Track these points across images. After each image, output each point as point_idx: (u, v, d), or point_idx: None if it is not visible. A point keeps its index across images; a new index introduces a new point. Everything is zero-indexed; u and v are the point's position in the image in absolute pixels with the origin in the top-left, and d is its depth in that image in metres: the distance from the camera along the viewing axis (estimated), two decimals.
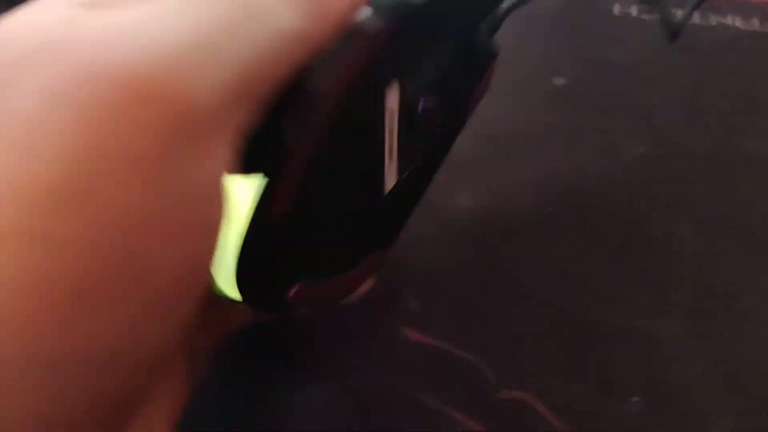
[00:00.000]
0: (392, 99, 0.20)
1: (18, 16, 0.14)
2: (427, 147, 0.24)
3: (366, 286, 0.25)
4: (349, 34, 0.17)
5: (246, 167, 0.16)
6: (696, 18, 0.44)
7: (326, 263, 0.22)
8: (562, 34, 0.44)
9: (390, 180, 0.22)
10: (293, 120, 0.17)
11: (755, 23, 0.44)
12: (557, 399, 0.27)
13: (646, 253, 0.30)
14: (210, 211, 0.15)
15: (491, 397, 0.27)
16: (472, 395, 0.27)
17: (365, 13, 0.18)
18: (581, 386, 0.27)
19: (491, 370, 0.27)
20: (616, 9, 0.45)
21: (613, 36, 0.43)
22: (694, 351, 0.27)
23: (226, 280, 0.19)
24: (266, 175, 0.17)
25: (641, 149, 0.35)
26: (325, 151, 0.18)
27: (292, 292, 0.20)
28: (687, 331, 0.28)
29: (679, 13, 0.43)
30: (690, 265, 0.30)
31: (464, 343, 0.28)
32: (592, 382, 0.27)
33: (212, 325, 0.21)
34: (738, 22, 0.44)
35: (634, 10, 0.45)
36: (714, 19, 0.44)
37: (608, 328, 0.28)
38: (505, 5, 0.26)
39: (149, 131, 0.13)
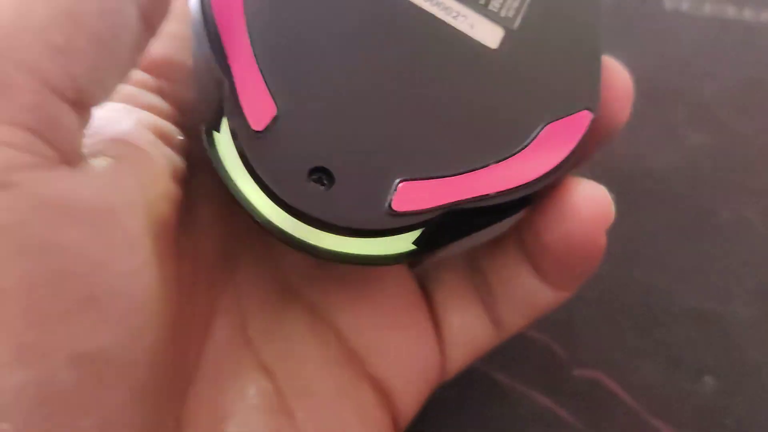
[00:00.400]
0: None
1: None
2: None
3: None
4: None
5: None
6: (749, 15, 0.44)
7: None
8: (615, 29, 0.44)
9: None
10: None
11: None
12: (630, 377, 0.27)
13: (715, 238, 0.30)
14: None
15: (564, 374, 0.27)
16: (544, 373, 0.27)
17: None
18: (653, 365, 0.27)
19: (563, 349, 0.28)
20: (668, 4, 0.46)
21: (667, 30, 0.43)
22: (765, 334, 0.28)
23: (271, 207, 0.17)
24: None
25: (703, 138, 0.35)
26: None
27: (395, 189, 0.17)
28: (757, 315, 0.28)
29: (731, 10, 0.44)
30: (758, 251, 0.30)
31: (536, 323, 0.28)
32: (664, 361, 0.27)
33: None
34: None
35: (684, 6, 0.46)
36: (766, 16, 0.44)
37: (679, 309, 0.28)
38: None
39: None
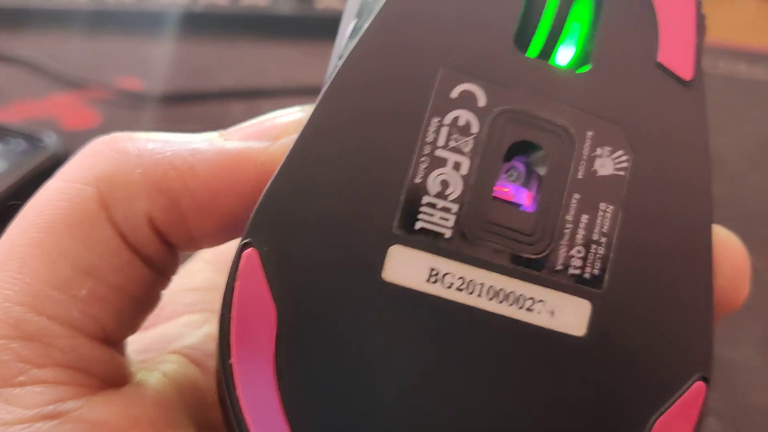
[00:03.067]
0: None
1: None
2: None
3: None
4: None
5: None
6: (760, 73, 0.46)
7: None
8: None
9: None
10: None
11: None
12: None
13: None
14: None
15: None
16: None
17: None
18: None
19: None
20: None
21: None
22: None
23: None
24: None
25: (716, 190, 0.36)
26: None
27: None
28: (762, 361, 0.29)
29: (743, 68, 0.45)
30: (764, 299, 0.31)
31: None
32: None
33: None
34: None
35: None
36: None
37: None
38: None
39: None
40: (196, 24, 0.49)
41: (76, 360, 0.15)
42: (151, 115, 0.42)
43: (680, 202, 0.16)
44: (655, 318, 0.15)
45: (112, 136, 0.16)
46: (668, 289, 0.16)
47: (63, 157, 0.36)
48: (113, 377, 0.16)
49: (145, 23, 0.48)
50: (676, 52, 0.16)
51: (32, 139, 0.36)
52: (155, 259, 0.16)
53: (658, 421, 0.15)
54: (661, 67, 0.16)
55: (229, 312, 0.14)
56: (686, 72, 0.16)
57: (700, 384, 0.15)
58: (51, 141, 0.36)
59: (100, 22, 0.49)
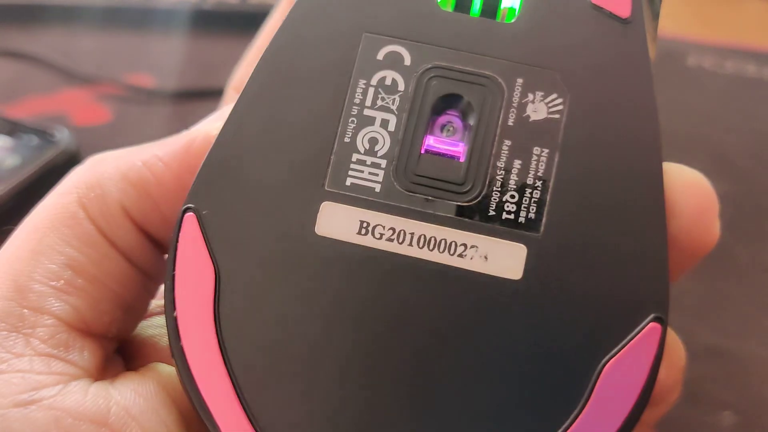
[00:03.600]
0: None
1: None
2: None
3: None
4: None
5: None
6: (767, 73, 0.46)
7: None
8: None
9: None
10: None
11: None
12: None
13: (734, 281, 0.32)
14: None
15: None
16: None
17: None
18: None
19: None
20: (690, 60, 0.47)
21: (689, 84, 0.45)
22: None
23: None
24: None
25: (723, 187, 0.36)
26: None
27: None
28: None
29: (751, 68, 0.46)
30: None
31: None
32: (682, 395, 0.28)
33: None
34: None
35: (707, 63, 0.47)
36: None
37: (697, 346, 0.29)
38: None
39: None
40: (206, 21, 0.49)
41: (56, 348, 0.16)
42: (161, 111, 0.42)
43: (623, 139, 0.16)
44: (600, 259, 0.15)
45: (92, 156, 0.18)
46: (614, 229, 0.15)
47: (74, 152, 0.36)
48: (94, 368, 0.16)
49: (155, 20, 0.49)
50: None
51: (44, 135, 0.36)
52: (136, 254, 0.17)
53: (608, 364, 0.15)
54: (596, 8, 0.16)
55: (173, 270, 0.16)
56: (623, 10, 0.16)
57: (654, 325, 0.15)
58: (63, 136, 0.36)
59: (111, 18, 0.49)
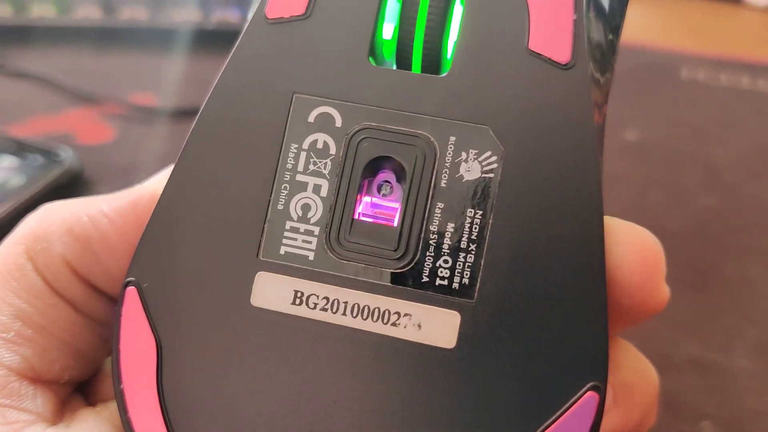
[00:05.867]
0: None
1: None
2: None
3: None
4: None
5: None
6: (762, 84, 0.46)
7: None
8: (632, 94, 0.46)
9: None
10: None
11: None
12: None
13: (720, 294, 0.32)
14: None
15: None
16: None
17: None
18: None
19: None
20: (684, 73, 0.48)
21: (681, 97, 0.45)
22: (764, 384, 0.29)
23: None
24: None
25: (712, 200, 0.37)
26: None
27: None
28: (756, 367, 0.30)
29: (745, 81, 0.46)
30: (759, 307, 0.32)
31: None
32: (662, 405, 0.29)
33: None
34: None
35: (701, 75, 0.48)
36: None
37: (680, 358, 0.30)
38: None
39: None
40: (209, 40, 0.50)
41: (8, 398, 0.16)
42: (163, 129, 0.43)
43: (560, 198, 0.15)
44: (535, 327, 0.15)
45: (45, 205, 0.18)
46: (550, 293, 0.15)
47: (79, 171, 0.37)
48: (49, 413, 0.17)
49: (158, 40, 0.50)
50: (549, 36, 0.15)
51: (49, 154, 0.37)
52: (84, 304, 0.18)
53: None
54: (533, 54, 0.15)
55: (118, 344, 0.16)
56: (562, 55, 0.15)
57: (591, 394, 0.14)
58: (67, 156, 0.37)
59: (114, 38, 0.50)
